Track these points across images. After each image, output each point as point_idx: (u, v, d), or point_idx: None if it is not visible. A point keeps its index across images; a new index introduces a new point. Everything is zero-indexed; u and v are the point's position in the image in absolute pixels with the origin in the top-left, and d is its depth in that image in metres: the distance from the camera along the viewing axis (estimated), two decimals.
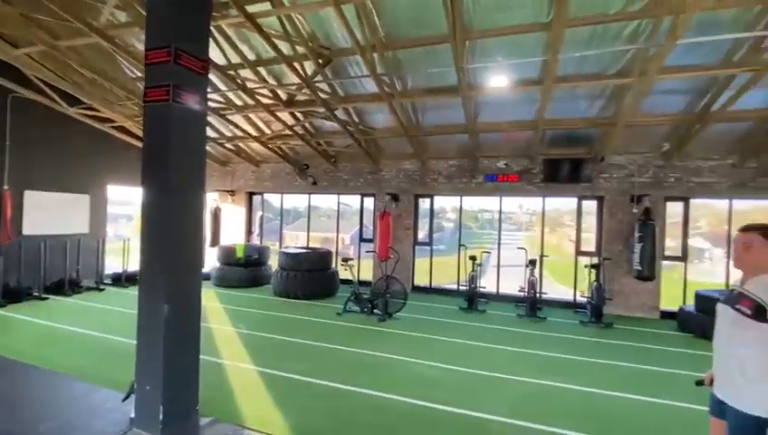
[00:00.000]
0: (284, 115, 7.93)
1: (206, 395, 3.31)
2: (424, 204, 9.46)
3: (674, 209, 7.50)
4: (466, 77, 5.97)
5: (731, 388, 1.87)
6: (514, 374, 4.48)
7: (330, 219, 10.17)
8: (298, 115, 8.09)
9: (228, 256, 9.15)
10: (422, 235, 9.60)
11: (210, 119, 8.54)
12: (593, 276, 7.05)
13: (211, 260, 9.78)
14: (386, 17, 5.21)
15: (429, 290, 9.27)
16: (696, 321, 6.24)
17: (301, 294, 8.06)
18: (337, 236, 10.44)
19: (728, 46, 4.93)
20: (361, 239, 9.87)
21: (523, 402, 3.81)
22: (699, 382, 2.20)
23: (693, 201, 7.38)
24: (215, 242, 10.36)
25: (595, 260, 7.41)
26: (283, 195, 10.87)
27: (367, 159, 9.10)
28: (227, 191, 10.96)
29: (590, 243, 8.18)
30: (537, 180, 8.10)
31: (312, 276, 8.21)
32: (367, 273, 9.54)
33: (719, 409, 1.96)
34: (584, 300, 7.35)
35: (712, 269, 14.30)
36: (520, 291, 7.72)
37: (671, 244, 7.74)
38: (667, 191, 7.27)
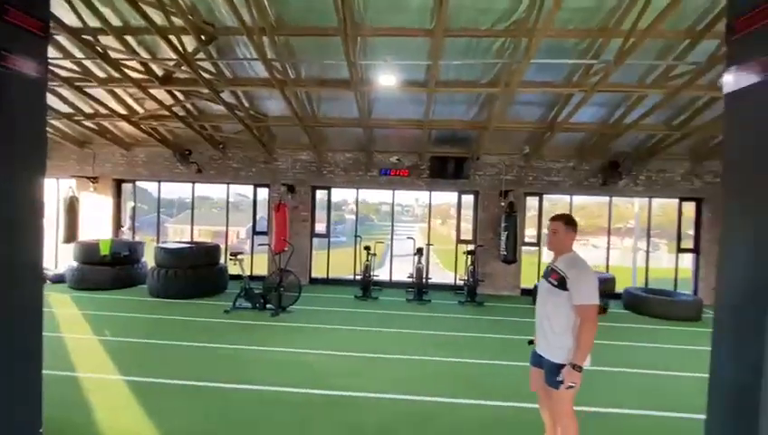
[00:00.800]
0: (160, 93, 7.06)
1: (54, 415, 2.84)
2: (322, 195, 9.45)
3: (533, 203, 8.90)
4: (359, 72, 6.12)
5: (545, 343, 2.37)
6: (399, 353, 4.85)
7: (224, 211, 9.42)
8: (177, 94, 7.29)
9: (89, 254, 7.83)
10: (321, 227, 9.60)
11: (63, 91, 7.14)
12: (469, 261, 7.99)
13: (67, 259, 8.25)
14: (276, 1, 5.03)
15: (327, 281, 9.34)
16: None
17: (182, 293, 7.35)
18: (227, 229, 9.76)
19: (569, 69, 6.01)
20: (255, 232, 9.41)
21: (406, 378, 4.16)
22: (530, 342, 2.72)
23: (547, 196, 8.86)
24: (70, 237, 8.75)
25: (471, 247, 8.39)
26: (162, 183, 9.70)
27: (260, 148, 8.68)
28: (88, 178, 9.33)
29: (469, 232, 9.21)
30: (425, 176, 8.76)
31: (195, 274, 7.55)
32: (261, 268, 9.17)
33: (537, 361, 2.48)
34: (462, 283, 8.29)
35: None
36: (409, 277, 8.31)
37: (534, 232, 9.16)
38: (527, 188, 8.59)
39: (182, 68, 6.13)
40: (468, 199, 9.14)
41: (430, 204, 9.48)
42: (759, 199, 2.15)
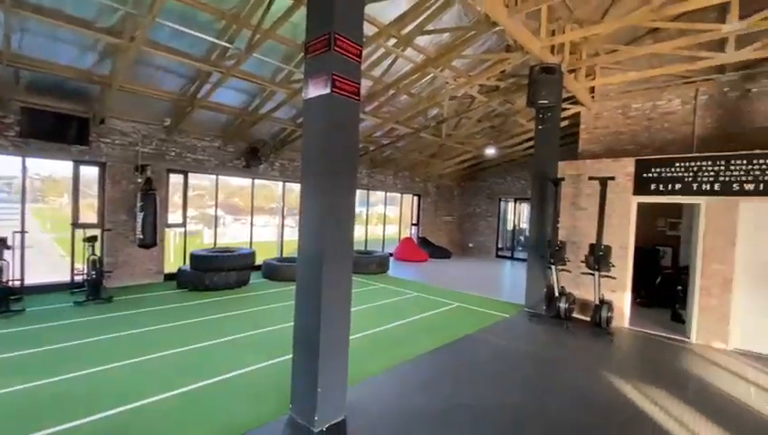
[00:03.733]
0: None
1: None
2: None
3: (177, 180, 8.28)
4: None
5: None
6: None
7: None
8: None
9: None
10: None
11: None
12: (96, 249, 6.43)
13: None
14: None
15: None
16: (190, 277, 7.33)
17: None
18: None
19: (207, 46, 5.90)
20: None
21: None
22: None
23: (194, 175, 8.51)
24: None
25: (96, 232, 6.78)
26: None
27: None
28: None
29: (93, 212, 7.37)
30: (12, 134, 6.14)
31: None
32: None
33: None
34: (82, 278, 6.57)
35: (224, 232, 17.80)
36: None
37: (194, 213, 8.54)
38: (170, 164, 7.89)
39: None
40: (92, 172, 7.27)
41: (24, 175, 6.77)
42: (322, 182, 2.90)
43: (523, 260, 13.12)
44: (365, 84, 7.38)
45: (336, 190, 2.89)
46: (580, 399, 3.67)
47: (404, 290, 8.16)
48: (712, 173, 5.22)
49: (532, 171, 6.89)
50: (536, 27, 5.57)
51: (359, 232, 12.71)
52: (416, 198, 14.47)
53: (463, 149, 11.57)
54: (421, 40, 6.42)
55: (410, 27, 5.84)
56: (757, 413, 3.51)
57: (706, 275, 5.25)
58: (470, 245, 15.36)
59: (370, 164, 12.11)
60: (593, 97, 8.13)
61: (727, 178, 5.10)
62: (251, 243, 9.58)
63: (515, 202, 14.63)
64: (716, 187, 5.18)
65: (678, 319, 6.10)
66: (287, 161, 9.97)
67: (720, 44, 6.18)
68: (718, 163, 5.18)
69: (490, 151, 11.34)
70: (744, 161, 4.99)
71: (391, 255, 12.48)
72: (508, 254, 14.68)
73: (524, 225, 15.21)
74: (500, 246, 14.87)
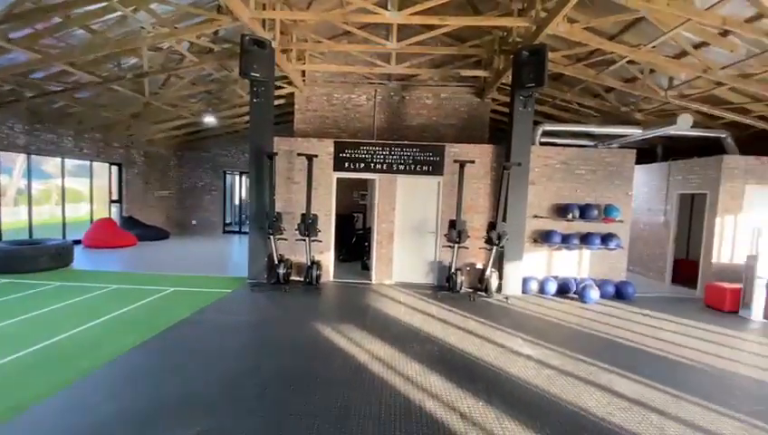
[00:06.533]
0: None
1: None
2: None
3: None
4: None
5: None
6: None
7: None
8: None
9: None
10: None
11: None
12: None
13: None
14: None
15: None
16: None
17: None
18: None
19: None
20: None
21: None
22: None
23: None
24: None
25: None
26: None
27: None
28: None
29: None
30: None
31: None
32: None
33: None
34: None
35: None
36: None
37: None
38: None
39: None
40: None
41: None
42: None
43: None
44: None
45: None
46: (290, 349, 4.14)
47: (96, 285, 6.49)
48: (382, 156, 6.93)
49: (249, 144, 6.90)
50: None
51: (15, 214, 8.99)
52: (115, 167, 11.61)
53: (176, 112, 10.13)
54: None
55: None
56: (404, 323, 5.09)
57: (379, 232, 7.04)
58: (193, 222, 14.00)
59: (31, 117, 8.62)
60: (305, 81, 8.94)
61: (390, 161, 6.92)
62: None
63: (241, 175, 14.39)
64: (384, 167, 6.93)
65: (366, 268, 7.90)
66: None
67: (388, 58, 8.13)
68: (385, 149, 6.93)
69: (209, 120, 10.50)
70: (399, 149, 6.92)
71: (78, 242, 9.63)
72: (236, 229, 14.42)
73: None
74: (228, 221, 14.35)
